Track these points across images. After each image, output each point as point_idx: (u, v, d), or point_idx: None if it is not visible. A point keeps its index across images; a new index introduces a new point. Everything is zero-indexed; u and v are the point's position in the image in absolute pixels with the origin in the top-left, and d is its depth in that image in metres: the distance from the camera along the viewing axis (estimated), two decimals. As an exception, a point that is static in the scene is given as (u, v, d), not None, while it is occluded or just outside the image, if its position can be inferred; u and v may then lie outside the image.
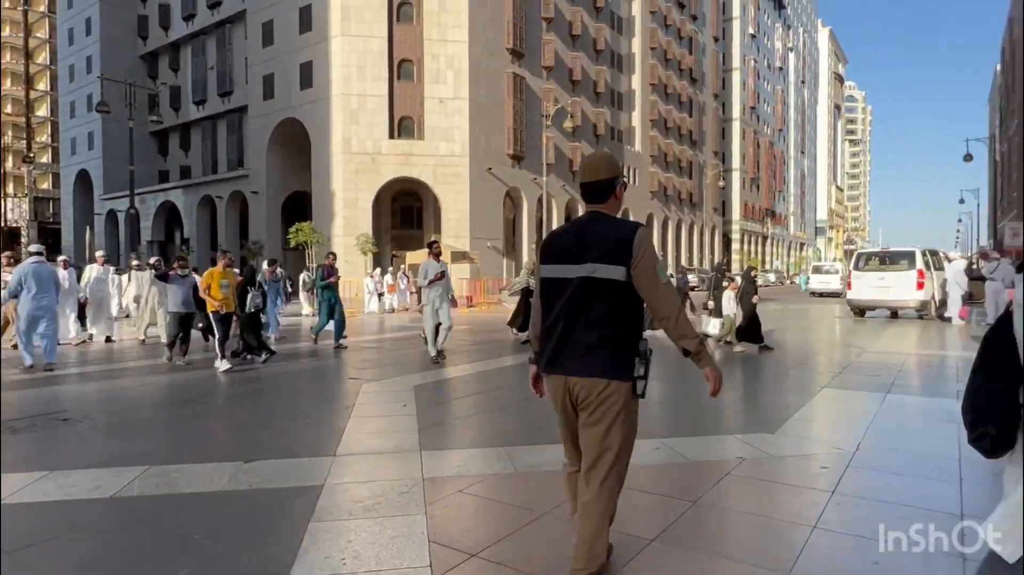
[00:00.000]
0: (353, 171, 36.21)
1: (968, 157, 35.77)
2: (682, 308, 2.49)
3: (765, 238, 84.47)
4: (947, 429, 5.09)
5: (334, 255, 11.76)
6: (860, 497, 3.61)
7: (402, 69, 37.48)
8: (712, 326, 10.86)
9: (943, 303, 15.39)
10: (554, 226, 43.84)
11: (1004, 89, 79.17)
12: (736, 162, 75.46)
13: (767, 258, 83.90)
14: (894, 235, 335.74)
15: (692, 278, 28.77)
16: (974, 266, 21.40)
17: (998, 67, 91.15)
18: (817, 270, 33.44)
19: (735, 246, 74.99)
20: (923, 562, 2.79)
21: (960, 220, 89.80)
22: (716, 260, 66.57)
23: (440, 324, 9.13)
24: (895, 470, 4.15)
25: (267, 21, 40.66)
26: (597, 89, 49.06)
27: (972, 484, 3.77)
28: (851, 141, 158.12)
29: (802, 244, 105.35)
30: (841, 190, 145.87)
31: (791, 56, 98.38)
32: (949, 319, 14.79)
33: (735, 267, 66.14)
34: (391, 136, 36.88)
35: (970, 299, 14.71)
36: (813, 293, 30.30)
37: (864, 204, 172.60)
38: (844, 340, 12.17)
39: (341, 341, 11.06)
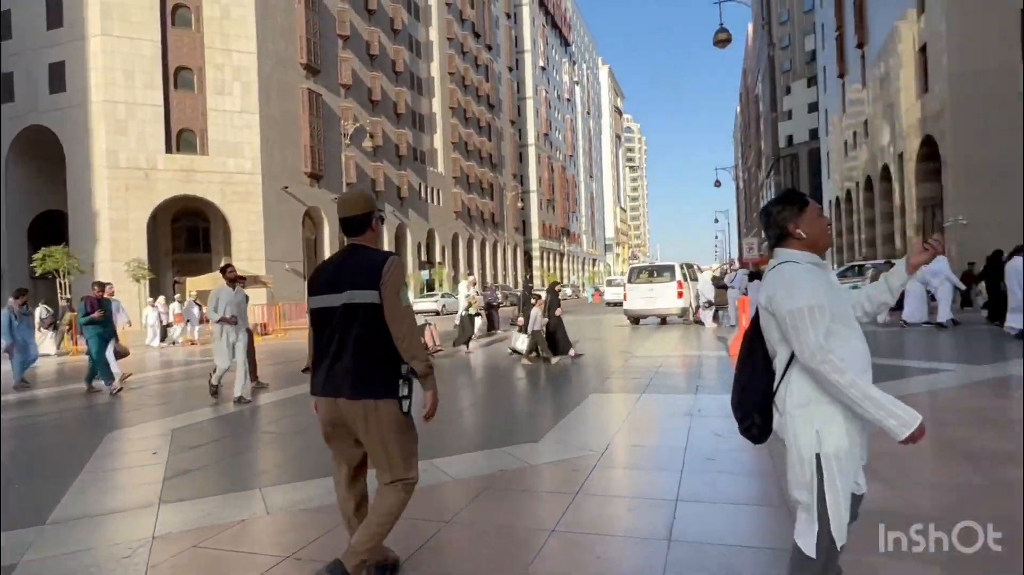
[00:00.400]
0: (122, 188, 32.01)
1: (717, 183, 42.01)
2: (416, 331, 2.60)
3: (562, 255, 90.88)
4: (682, 422, 5.80)
5: (101, 285, 10.07)
6: (599, 495, 3.94)
7: (180, 77, 34.18)
8: (520, 341, 11.25)
9: (699, 309, 17.73)
10: (358, 247, 42.79)
11: (742, 127, 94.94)
12: (533, 184, 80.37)
13: (565, 273, 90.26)
14: (670, 250, 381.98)
15: (498, 294, 29.82)
16: (726, 276, 24.93)
17: (738, 108, 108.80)
18: (610, 283, 37.44)
19: (536, 263, 79.57)
20: (640, 548, 3.11)
21: (716, 236, 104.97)
22: (521, 277, 70.11)
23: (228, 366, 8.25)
24: (633, 465, 4.61)
25: (3, 11, 34.54)
26: (398, 110, 49.18)
27: (690, 471, 4.31)
28: (630, 167, 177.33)
29: (594, 260, 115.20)
30: (624, 211, 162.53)
31: (577, 89, 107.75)
32: (703, 323, 17.09)
33: (537, 282, 70.06)
34: (169, 150, 33.33)
35: (709, 305, 17.12)
36: (608, 303, 33.38)
37: (644, 223, 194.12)
38: (618, 347, 13.42)
39: (94, 383, 9.59)
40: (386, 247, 46.22)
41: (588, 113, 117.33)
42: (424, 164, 53.77)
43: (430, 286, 47.73)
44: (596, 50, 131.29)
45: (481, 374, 10.49)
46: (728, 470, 4.38)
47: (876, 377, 2.00)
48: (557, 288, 11.89)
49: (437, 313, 32.81)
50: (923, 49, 24.12)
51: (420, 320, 12.78)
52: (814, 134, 56.01)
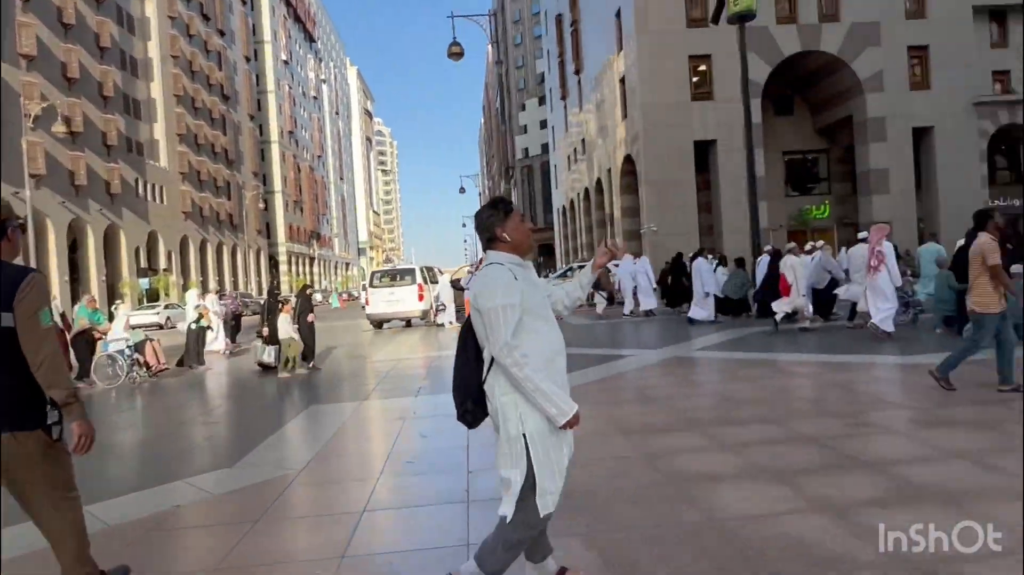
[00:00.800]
0: None
1: (461, 190, 43.98)
2: (57, 355, 2.32)
3: (312, 259, 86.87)
4: (393, 427, 5.80)
5: None
6: (282, 519, 3.69)
7: None
8: (267, 354, 10.22)
9: (438, 311, 18.27)
10: (50, 251, 35.53)
11: (486, 138, 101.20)
12: (278, 184, 75.40)
13: (316, 278, 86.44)
14: (424, 253, 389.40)
15: (239, 302, 27.16)
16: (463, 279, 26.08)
17: (482, 120, 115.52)
18: (366, 288, 36.77)
19: (283, 268, 74.80)
20: (306, 572, 2.96)
21: (466, 240, 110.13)
22: (267, 283, 65.14)
23: None
24: (329, 479, 4.44)
25: None
26: (104, 92, 42.01)
27: (386, 478, 4.29)
28: (383, 171, 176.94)
29: (347, 264, 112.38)
30: (378, 214, 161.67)
31: (324, 87, 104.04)
32: (443, 324, 17.65)
33: (285, 289, 65.96)
34: None
35: (444, 307, 17.82)
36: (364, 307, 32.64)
37: (397, 227, 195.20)
38: (355, 353, 13.14)
39: None
40: (92, 251, 39.28)
41: (337, 113, 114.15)
42: (142, 156, 46.86)
43: (153, 296, 41.81)
44: (344, 50, 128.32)
45: (203, 393, 9.40)
46: (424, 471, 4.47)
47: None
48: (309, 292, 11.14)
49: (160, 327, 29.00)
50: (623, 81, 28.16)
51: (139, 335, 11.00)
52: (546, 148, 61.93)
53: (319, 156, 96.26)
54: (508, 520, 2.21)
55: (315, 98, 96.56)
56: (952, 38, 25.72)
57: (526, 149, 67.50)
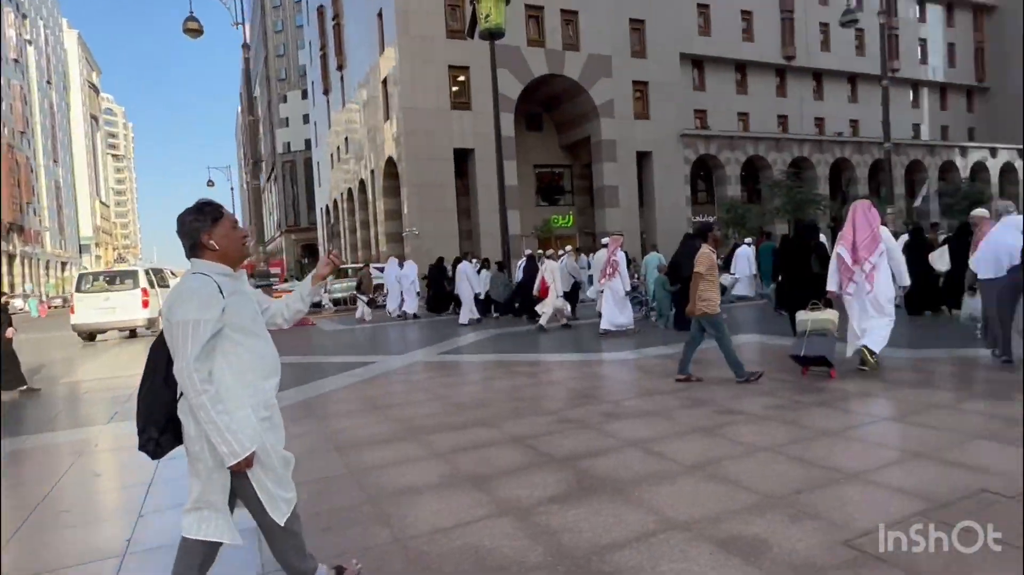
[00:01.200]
0: None
1: (210, 183, 39.77)
2: None
3: (12, 258, 71.20)
4: (59, 466, 4.79)
5: None
6: None
7: None
8: None
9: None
10: None
11: (244, 128, 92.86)
12: (-41, 164, 60.26)
13: (18, 281, 71.07)
14: (172, 252, 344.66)
15: None
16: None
17: (239, 108, 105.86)
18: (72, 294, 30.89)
19: (-32, 268, 59.99)
20: None
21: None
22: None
23: None
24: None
25: None
26: None
27: (26, 533, 3.45)
28: (114, 156, 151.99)
29: (64, 263, 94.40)
30: (107, 206, 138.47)
31: (31, 50, 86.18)
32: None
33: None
34: None
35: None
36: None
37: (134, 221, 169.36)
38: (55, 372, 10.86)
39: None
40: None
41: (49, 83, 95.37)
42: None
43: None
44: (59, 9, 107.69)
45: None
46: (79, 522, 3.70)
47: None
48: (5, 301, 8.80)
49: None
50: (385, 82, 27.88)
51: None
52: (309, 144, 58.95)
53: (23, 132, 79.24)
54: (272, 538, 2.24)
55: (16, 61, 79.35)
56: (665, 78, 30.25)
57: (288, 143, 63.60)
